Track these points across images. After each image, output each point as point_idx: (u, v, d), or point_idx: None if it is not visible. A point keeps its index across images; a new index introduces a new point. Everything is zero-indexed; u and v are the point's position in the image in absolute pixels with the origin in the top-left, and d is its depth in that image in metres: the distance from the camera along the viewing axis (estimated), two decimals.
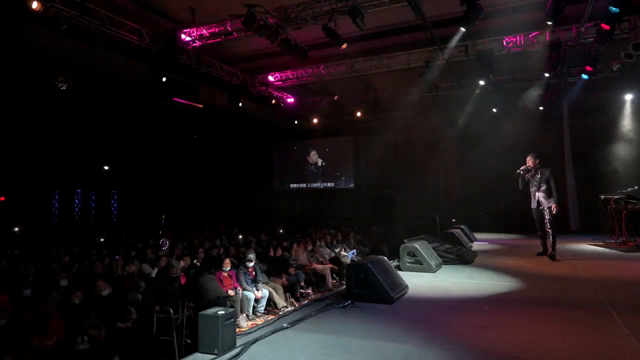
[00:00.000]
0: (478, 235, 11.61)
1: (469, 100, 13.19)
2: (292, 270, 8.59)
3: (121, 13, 8.60)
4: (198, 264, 8.12)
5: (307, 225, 15.40)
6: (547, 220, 7.88)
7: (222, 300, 6.71)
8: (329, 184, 19.81)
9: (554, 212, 7.84)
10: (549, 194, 7.89)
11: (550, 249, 7.92)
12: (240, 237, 12.02)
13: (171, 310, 5.28)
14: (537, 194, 8.02)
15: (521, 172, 8.12)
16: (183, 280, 6.88)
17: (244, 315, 6.82)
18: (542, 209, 8.01)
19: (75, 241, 10.65)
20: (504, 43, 9.76)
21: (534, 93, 12.54)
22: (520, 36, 9.60)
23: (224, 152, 20.07)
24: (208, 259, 8.72)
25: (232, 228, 14.31)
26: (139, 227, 15.45)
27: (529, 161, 8.12)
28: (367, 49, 10.64)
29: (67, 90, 11.46)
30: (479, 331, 3.87)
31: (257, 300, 7.16)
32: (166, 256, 8.00)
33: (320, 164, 20.02)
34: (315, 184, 20.08)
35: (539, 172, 8.03)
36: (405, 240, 7.64)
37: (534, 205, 8.16)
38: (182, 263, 7.48)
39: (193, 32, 9.30)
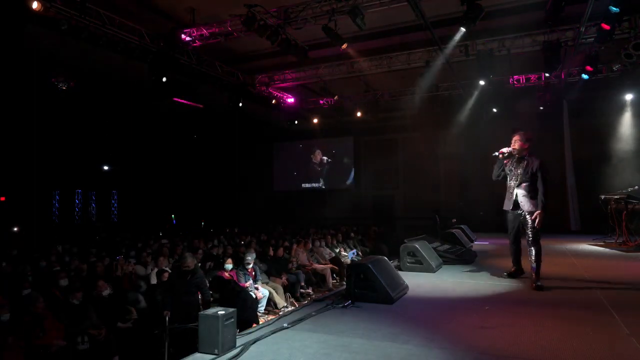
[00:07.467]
0: (478, 235, 11.59)
1: (469, 100, 13.19)
2: (292, 270, 8.60)
3: (121, 13, 8.62)
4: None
5: (307, 225, 15.40)
6: (528, 231, 5.47)
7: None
8: (329, 184, 19.80)
9: (537, 224, 5.35)
10: (532, 194, 5.45)
11: (534, 276, 5.44)
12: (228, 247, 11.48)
13: (167, 319, 5.12)
14: (515, 190, 5.62)
15: (499, 155, 5.79)
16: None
17: None
18: (522, 214, 5.59)
19: (75, 241, 10.65)
20: (504, 43, 9.77)
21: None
22: (520, 37, 9.61)
23: (224, 152, 20.07)
24: (208, 259, 8.72)
25: (233, 228, 14.30)
26: (139, 227, 15.45)
27: (515, 143, 5.65)
28: (367, 49, 10.65)
29: (67, 90, 11.47)
30: (479, 331, 3.87)
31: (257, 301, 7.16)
32: (165, 257, 7.98)
33: (324, 162, 19.96)
34: (315, 184, 20.07)
35: (525, 161, 5.57)
36: (405, 240, 7.61)
37: (508, 206, 5.75)
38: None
39: (193, 32, 9.30)
